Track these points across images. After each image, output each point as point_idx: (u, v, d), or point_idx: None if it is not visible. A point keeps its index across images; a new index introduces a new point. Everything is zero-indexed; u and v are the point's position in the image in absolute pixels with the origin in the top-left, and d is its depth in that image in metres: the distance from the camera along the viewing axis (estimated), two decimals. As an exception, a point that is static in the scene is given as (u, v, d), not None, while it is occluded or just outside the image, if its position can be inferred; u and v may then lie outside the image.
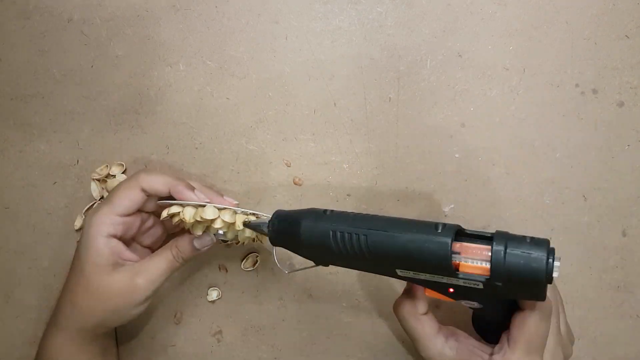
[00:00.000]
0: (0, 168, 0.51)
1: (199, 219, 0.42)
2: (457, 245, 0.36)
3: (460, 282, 0.37)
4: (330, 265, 0.41)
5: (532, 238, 0.36)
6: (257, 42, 0.51)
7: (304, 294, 0.52)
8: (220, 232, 0.44)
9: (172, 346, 0.52)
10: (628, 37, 0.51)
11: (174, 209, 0.43)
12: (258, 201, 0.51)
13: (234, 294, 0.52)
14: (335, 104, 0.51)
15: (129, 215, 0.44)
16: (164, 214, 0.43)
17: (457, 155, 0.51)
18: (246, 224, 0.43)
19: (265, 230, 0.42)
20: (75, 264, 0.44)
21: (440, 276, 0.37)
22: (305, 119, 0.51)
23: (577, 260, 0.52)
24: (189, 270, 0.52)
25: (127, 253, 0.44)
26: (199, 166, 0.51)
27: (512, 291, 0.36)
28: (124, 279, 0.43)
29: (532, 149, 0.51)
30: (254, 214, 0.44)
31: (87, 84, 0.50)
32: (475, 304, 0.40)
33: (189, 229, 0.45)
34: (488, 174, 0.52)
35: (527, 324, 0.38)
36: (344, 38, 0.51)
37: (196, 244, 0.44)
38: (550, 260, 0.34)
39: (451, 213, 0.52)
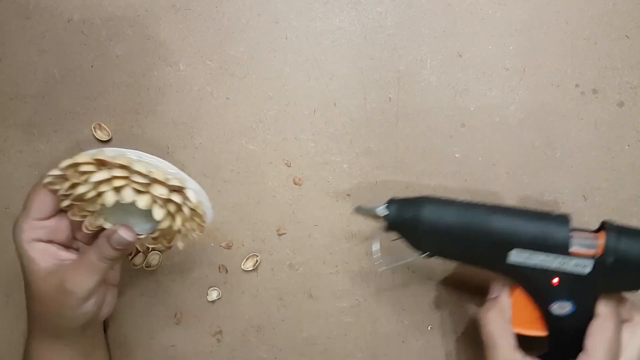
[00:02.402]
0: (0, 168, 0.51)
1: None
2: (570, 231, 0.40)
3: (571, 265, 0.40)
4: (429, 257, 0.42)
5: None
6: (257, 42, 0.51)
7: (304, 294, 0.52)
8: (120, 199, 0.40)
9: (172, 346, 0.52)
10: (628, 37, 0.51)
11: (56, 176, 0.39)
12: (258, 201, 0.51)
13: (234, 294, 0.52)
14: (335, 104, 0.51)
15: (47, 218, 0.43)
16: (50, 186, 0.41)
17: (457, 155, 0.51)
18: (358, 210, 0.44)
19: (380, 214, 0.42)
20: (22, 272, 0.43)
21: (554, 257, 0.40)
22: (305, 119, 0.51)
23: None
24: (189, 270, 0.52)
25: (62, 253, 0.43)
26: (199, 166, 0.51)
27: (619, 275, 0.40)
28: (55, 284, 0.41)
29: (532, 149, 0.51)
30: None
31: (87, 84, 0.50)
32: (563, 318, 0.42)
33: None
34: (488, 174, 0.52)
35: (605, 329, 0.38)
36: (344, 38, 0.51)
37: (112, 242, 0.41)
38: None
39: (451, 213, 0.52)
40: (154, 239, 0.45)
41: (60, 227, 0.44)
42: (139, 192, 0.40)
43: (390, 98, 0.51)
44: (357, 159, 0.51)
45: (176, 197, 0.41)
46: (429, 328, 0.52)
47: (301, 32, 0.51)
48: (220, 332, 0.52)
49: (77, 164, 0.39)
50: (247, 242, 0.52)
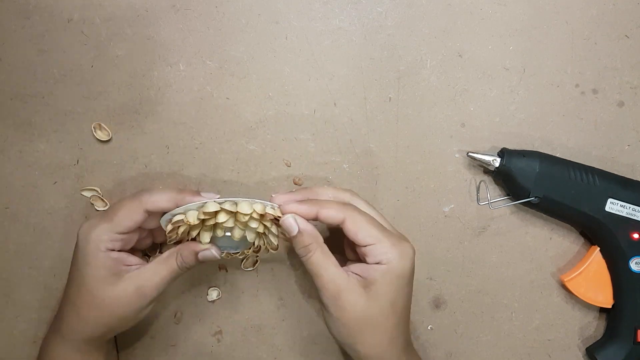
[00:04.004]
0: (0, 168, 0.51)
1: (202, 216, 0.42)
2: None
3: None
4: (537, 201, 0.48)
5: None
6: (257, 42, 0.51)
7: (304, 294, 0.52)
8: (228, 233, 0.44)
9: (172, 346, 0.52)
10: (628, 37, 0.51)
11: (178, 217, 0.43)
12: (258, 201, 0.51)
13: (234, 294, 0.52)
14: (335, 104, 0.51)
15: (130, 232, 0.44)
16: (169, 227, 0.44)
17: (457, 155, 0.51)
18: (471, 157, 0.49)
19: (494, 162, 0.48)
20: (75, 277, 0.44)
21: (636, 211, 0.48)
22: (305, 119, 0.51)
23: (577, 260, 0.51)
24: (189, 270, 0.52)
25: (131, 258, 0.44)
26: (199, 166, 0.51)
27: None
28: (130, 287, 0.43)
29: (532, 149, 0.51)
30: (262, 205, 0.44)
31: (87, 84, 0.50)
32: None
33: (195, 238, 0.45)
34: (488, 173, 0.52)
35: (358, 218, 0.42)
36: (344, 38, 0.51)
37: (200, 257, 0.45)
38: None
39: (451, 213, 0.52)
40: (228, 254, 0.48)
41: (132, 239, 0.45)
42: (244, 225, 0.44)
43: (390, 98, 0.51)
44: (357, 159, 0.51)
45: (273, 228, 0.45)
46: (429, 328, 0.52)
47: (301, 32, 0.51)
48: (220, 332, 0.52)
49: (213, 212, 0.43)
50: (251, 248, 0.52)
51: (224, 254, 0.47)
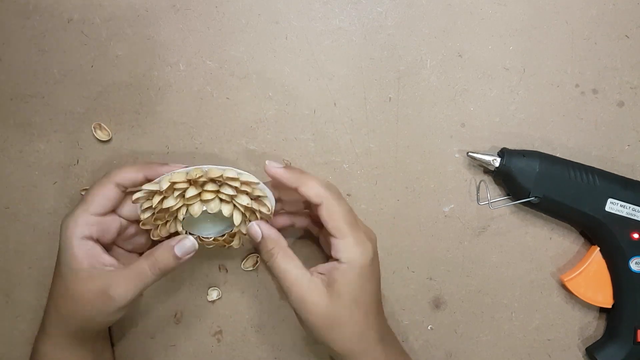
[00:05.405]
0: (0, 168, 0.51)
1: (191, 176, 0.41)
2: None
3: None
4: (537, 201, 0.48)
5: None
6: (257, 42, 0.51)
7: (304, 294, 0.52)
8: (211, 210, 0.43)
9: (172, 346, 0.52)
10: (628, 37, 0.51)
11: (151, 186, 0.42)
12: (258, 201, 0.51)
13: (234, 294, 0.52)
14: (335, 104, 0.51)
15: (104, 214, 0.43)
16: (139, 195, 0.42)
17: (457, 155, 0.51)
18: (471, 157, 0.49)
19: (494, 162, 0.48)
20: (56, 268, 0.44)
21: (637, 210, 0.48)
22: (305, 119, 0.51)
23: (577, 260, 0.51)
24: (189, 270, 0.52)
25: (105, 257, 0.43)
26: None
27: None
28: (97, 288, 0.41)
29: (532, 149, 0.51)
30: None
31: (87, 84, 0.50)
32: None
33: (174, 233, 0.44)
34: (488, 173, 0.52)
35: (334, 208, 0.42)
36: (344, 38, 0.51)
37: (177, 250, 0.43)
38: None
39: (451, 213, 0.52)
40: (214, 240, 0.46)
41: (110, 227, 0.44)
42: (221, 200, 0.43)
43: (390, 98, 0.51)
44: (357, 159, 0.51)
45: (255, 205, 0.44)
46: (429, 328, 0.52)
47: (301, 32, 0.51)
48: (220, 332, 0.52)
49: (173, 183, 0.42)
50: (247, 241, 0.52)
51: (197, 237, 0.45)
